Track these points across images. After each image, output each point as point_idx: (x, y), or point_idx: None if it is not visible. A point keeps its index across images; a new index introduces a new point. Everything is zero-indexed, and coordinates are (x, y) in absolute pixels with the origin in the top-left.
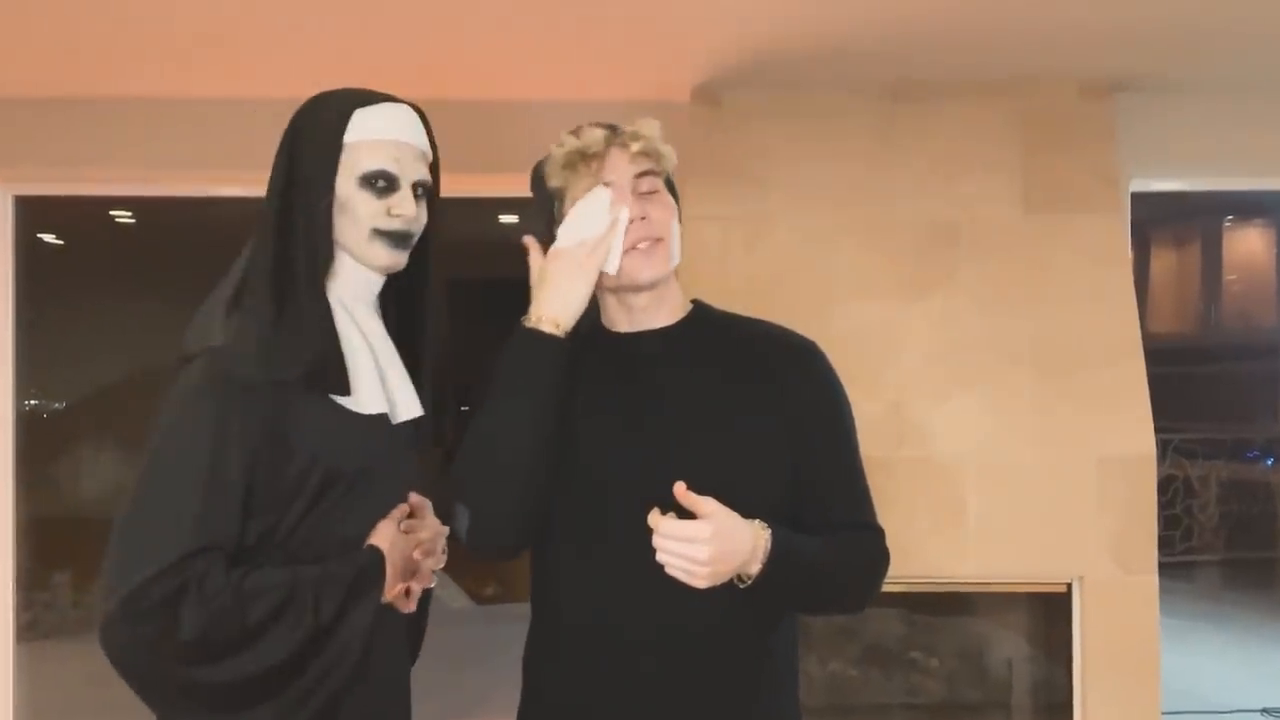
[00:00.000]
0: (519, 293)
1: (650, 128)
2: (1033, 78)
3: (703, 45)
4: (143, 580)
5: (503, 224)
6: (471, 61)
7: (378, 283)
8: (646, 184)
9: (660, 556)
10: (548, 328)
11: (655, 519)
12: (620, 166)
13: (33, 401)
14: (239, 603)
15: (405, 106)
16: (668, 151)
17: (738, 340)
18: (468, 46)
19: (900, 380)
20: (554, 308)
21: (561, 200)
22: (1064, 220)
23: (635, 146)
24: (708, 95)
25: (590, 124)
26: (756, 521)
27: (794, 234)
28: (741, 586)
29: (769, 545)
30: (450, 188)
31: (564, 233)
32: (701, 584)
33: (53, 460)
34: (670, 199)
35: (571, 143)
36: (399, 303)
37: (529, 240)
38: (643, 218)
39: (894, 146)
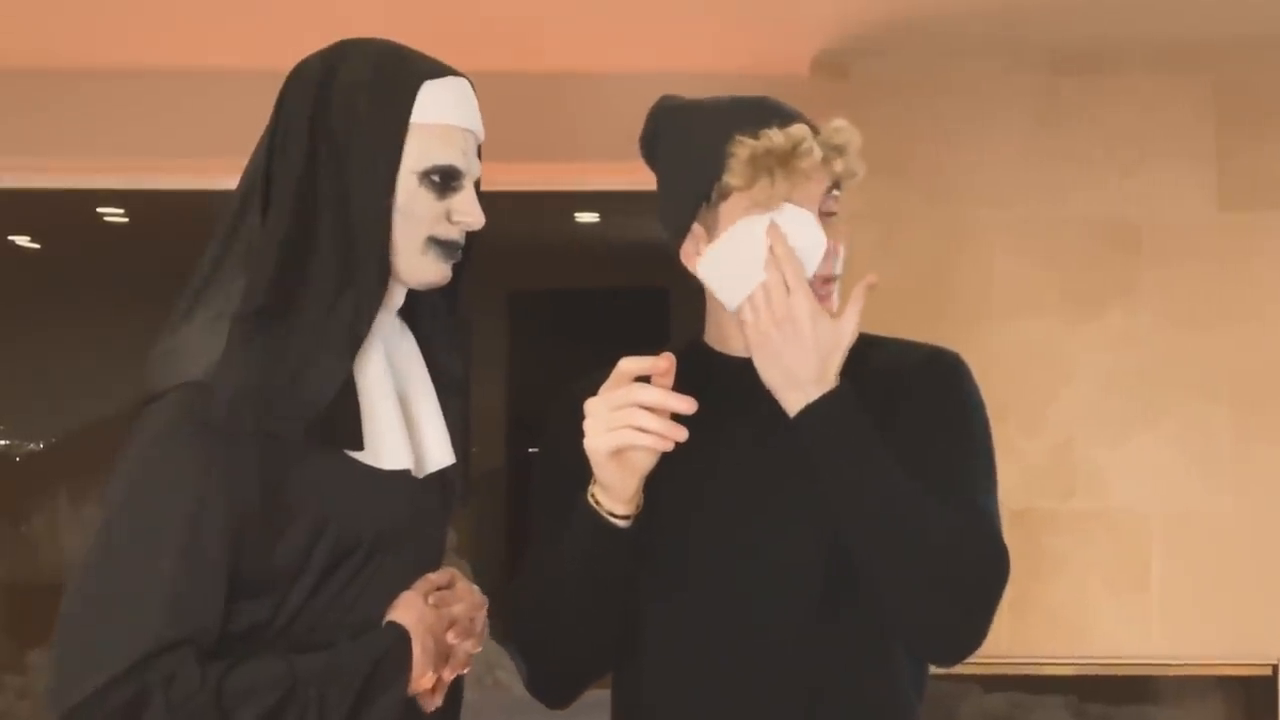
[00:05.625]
0: (597, 307)
1: (853, 133)
2: (1230, 43)
3: (826, 4)
4: (95, 688)
5: (579, 224)
6: (539, 24)
7: (403, 294)
8: (834, 202)
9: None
10: (605, 513)
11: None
12: (816, 180)
13: (2, 441)
14: (219, 707)
15: (465, 80)
16: (861, 169)
17: (869, 367)
18: (533, 4)
19: (1068, 416)
20: (610, 495)
21: (725, 198)
22: (1268, 219)
23: (839, 165)
24: (832, 66)
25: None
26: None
27: (937, 235)
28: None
29: (842, 384)
30: (513, 179)
31: (708, 269)
32: (760, 323)
33: (27, 513)
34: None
35: (776, 140)
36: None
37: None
38: (834, 251)
39: (1058, 129)
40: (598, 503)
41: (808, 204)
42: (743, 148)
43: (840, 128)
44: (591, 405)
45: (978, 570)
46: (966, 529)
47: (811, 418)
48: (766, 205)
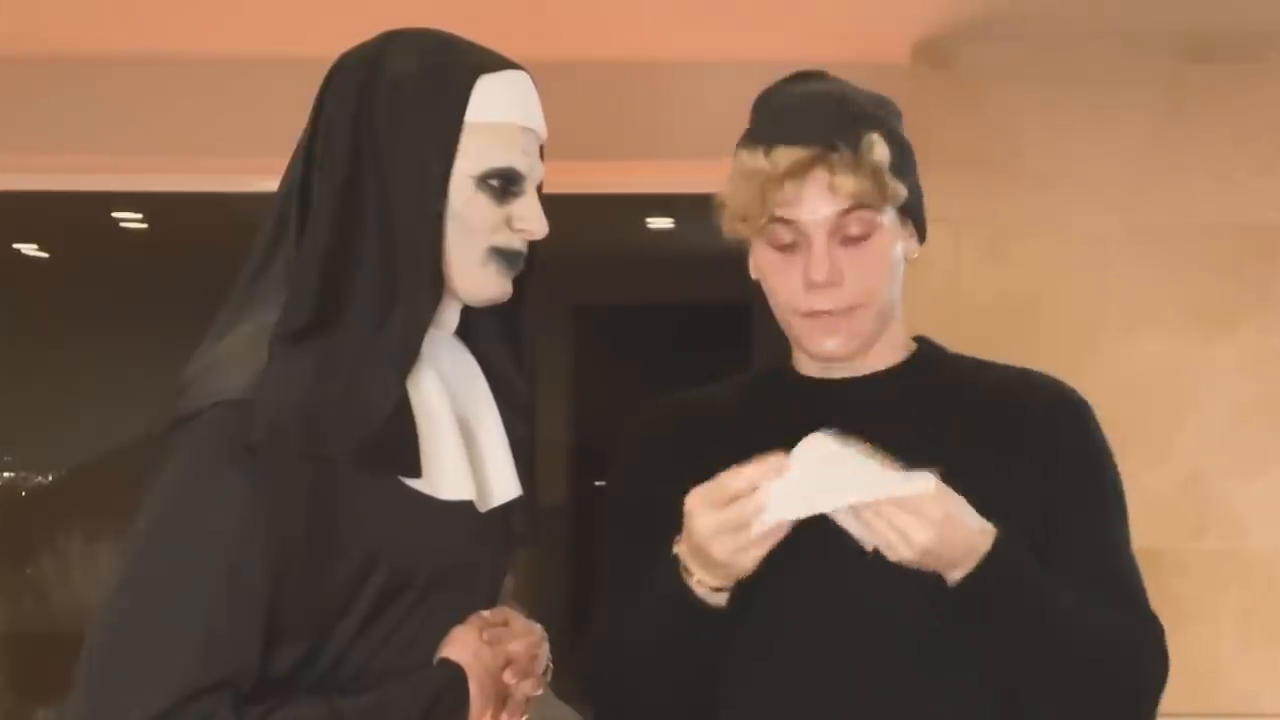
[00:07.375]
0: (671, 323)
1: (879, 150)
2: None
3: None
4: None
5: (652, 230)
6: (611, 7)
7: (457, 312)
8: (854, 225)
9: (868, 519)
10: (703, 592)
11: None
12: (815, 204)
13: (7, 474)
14: None
15: (525, 73)
16: (894, 187)
17: (980, 393)
18: None
19: (1198, 444)
20: (711, 580)
21: (718, 215)
22: None
23: (845, 185)
24: (935, 53)
25: (805, 97)
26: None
27: (1050, 241)
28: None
29: (994, 542)
30: (579, 181)
31: (779, 495)
32: (905, 558)
33: (35, 554)
34: (889, 243)
35: (755, 162)
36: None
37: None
38: (832, 284)
39: (1188, 122)
40: (698, 581)
41: (811, 230)
42: (740, 159)
43: (865, 146)
44: (706, 530)
45: (1149, 681)
46: (1141, 649)
47: (991, 572)
48: (753, 223)
